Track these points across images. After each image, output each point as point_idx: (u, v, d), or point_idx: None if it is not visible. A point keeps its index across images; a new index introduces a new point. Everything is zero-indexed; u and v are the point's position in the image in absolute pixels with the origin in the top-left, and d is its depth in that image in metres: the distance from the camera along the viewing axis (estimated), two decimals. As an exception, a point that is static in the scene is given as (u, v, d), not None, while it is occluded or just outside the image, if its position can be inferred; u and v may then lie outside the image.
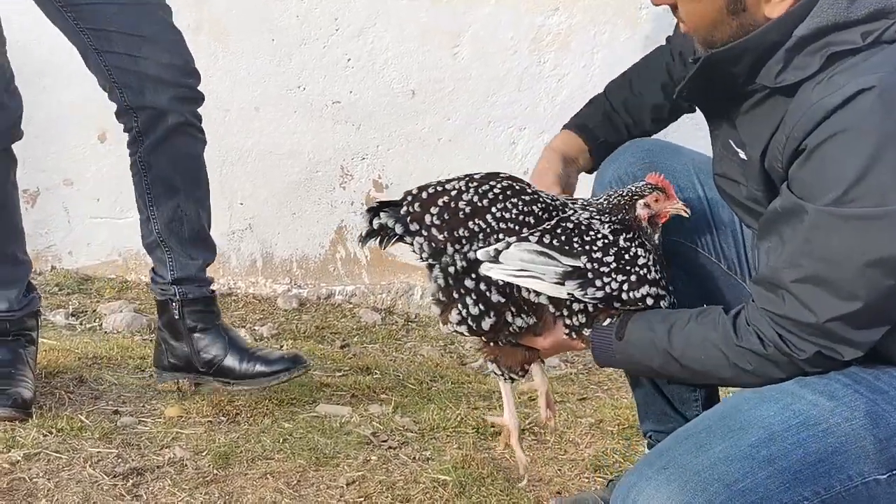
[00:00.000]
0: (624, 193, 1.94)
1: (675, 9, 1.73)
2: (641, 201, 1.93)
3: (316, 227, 3.84)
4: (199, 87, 2.62)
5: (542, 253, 1.85)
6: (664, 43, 2.19)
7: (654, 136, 2.22)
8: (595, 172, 2.23)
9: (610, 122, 2.19)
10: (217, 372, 2.67)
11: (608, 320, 1.87)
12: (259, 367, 2.64)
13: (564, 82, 3.68)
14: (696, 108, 1.96)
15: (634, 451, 2.60)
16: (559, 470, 2.50)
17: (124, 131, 2.62)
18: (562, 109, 3.67)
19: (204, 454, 2.44)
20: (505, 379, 2.00)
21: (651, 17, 3.59)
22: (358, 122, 3.76)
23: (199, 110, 2.63)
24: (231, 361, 2.65)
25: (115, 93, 2.55)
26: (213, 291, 2.74)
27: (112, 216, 3.91)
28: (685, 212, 1.95)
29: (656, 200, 1.93)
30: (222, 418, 2.63)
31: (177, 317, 2.67)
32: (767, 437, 1.57)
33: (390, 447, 2.55)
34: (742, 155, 1.77)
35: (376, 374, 3.09)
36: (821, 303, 1.60)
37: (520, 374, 1.99)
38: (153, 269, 2.72)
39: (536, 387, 2.11)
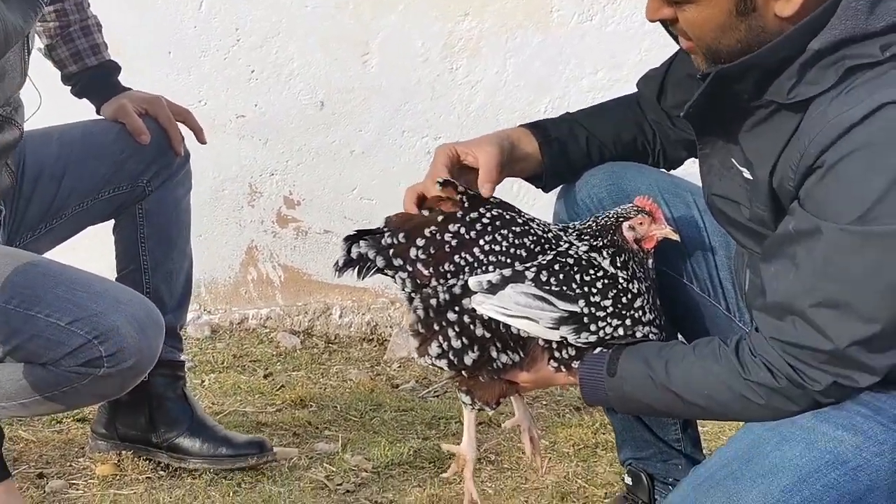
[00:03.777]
0: (610, 215, 1.88)
1: (672, 22, 1.65)
2: (627, 223, 1.86)
3: (224, 248, 3.63)
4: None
5: (538, 297, 1.76)
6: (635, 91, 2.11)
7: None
8: (553, 192, 2.16)
9: (569, 129, 2.07)
10: (172, 447, 2.44)
11: (598, 348, 1.81)
12: (223, 450, 2.42)
13: (477, 88, 3.59)
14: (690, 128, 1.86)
15: (594, 473, 2.55)
16: (526, 501, 2.42)
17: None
18: (476, 116, 3.60)
19: (148, 517, 2.25)
20: (472, 409, 1.91)
21: (562, 21, 3.55)
22: (265, 136, 3.57)
23: None
24: (191, 439, 2.42)
25: None
26: (183, 355, 2.52)
27: None
28: (674, 236, 1.89)
29: (640, 223, 1.87)
30: (161, 473, 2.43)
31: (144, 378, 2.39)
32: (798, 479, 1.52)
33: (348, 490, 2.42)
34: (747, 174, 1.70)
35: (312, 406, 2.94)
36: (839, 327, 1.53)
37: (493, 406, 1.90)
38: None
39: (519, 422, 2.03)
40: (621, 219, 1.87)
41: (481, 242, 1.78)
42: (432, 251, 1.77)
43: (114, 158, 2.43)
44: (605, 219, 1.88)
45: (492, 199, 1.86)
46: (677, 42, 1.77)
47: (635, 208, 1.89)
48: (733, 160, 1.74)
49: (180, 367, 2.47)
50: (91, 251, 3.60)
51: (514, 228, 1.81)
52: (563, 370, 1.83)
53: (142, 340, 1.96)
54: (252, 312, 3.65)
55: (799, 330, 1.57)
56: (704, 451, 2.23)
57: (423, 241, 1.78)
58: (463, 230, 1.79)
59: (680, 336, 2.07)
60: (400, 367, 3.39)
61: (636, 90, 2.13)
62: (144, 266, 2.45)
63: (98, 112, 2.52)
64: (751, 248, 1.81)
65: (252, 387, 3.09)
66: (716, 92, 1.65)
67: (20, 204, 2.35)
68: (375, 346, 3.56)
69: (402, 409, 2.93)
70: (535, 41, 3.56)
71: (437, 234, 1.78)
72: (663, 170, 2.18)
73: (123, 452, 2.47)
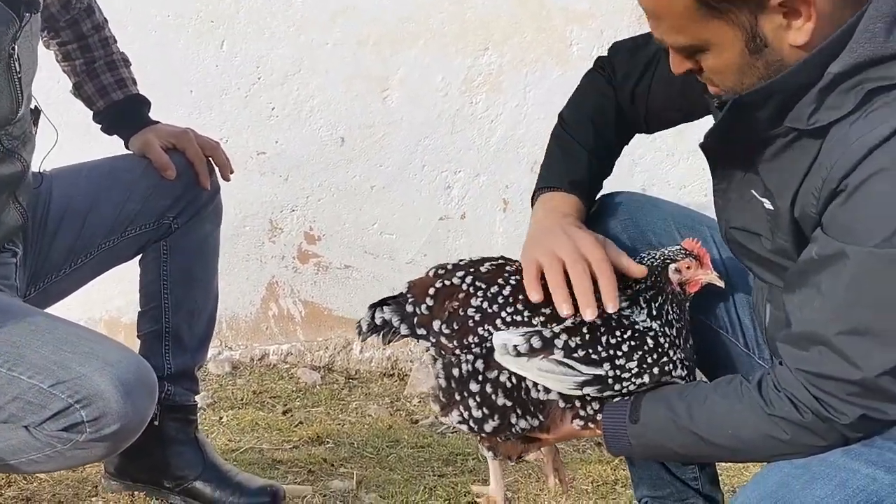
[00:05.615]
0: (656, 256, 1.83)
1: (698, 72, 1.62)
2: (673, 266, 1.82)
3: (245, 284, 3.64)
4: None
5: (562, 363, 1.72)
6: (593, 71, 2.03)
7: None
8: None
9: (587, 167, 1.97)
10: (185, 492, 2.40)
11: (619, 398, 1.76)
12: (233, 499, 2.38)
13: (497, 123, 3.59)
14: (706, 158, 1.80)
15: (614, 511, 2.50)
16: (542, 540, 2.38)
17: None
18: (496, 151, 3.59)
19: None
20: (495, 459, 1.88)
21: (581, 55, 3.54)
22: (285, 172, 3.58)
23: None
24: (204, 484, 2.38)
25: None
26: (196, 399, 2.49)
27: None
28: (720, 283, 1.84)
29: (688, 267, 1.82)
30: (174, 511, 2.42)
31: (156, 422, 2.32)
32: (831, 521, 1.46)
33: (361, 529, 2.40)
34: (768, 204, 1.65)
35: (329, 443, 2.92)
36: (868, 356, 1.46)
37: (514, 460, 1.87)
38: None
39: (542, 455, 1.97)
40: (668, 261, 1.82)
41: (503, 315, 1.75)
42: (456, 326, 1.75)
43: (140, 194, 2.38)
44: (651, 260, 1.83)
45: (508, 265, 1.83)
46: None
47: (683, 251, 1.83)
48: (753, 191, 1.69)
49: (193, 411, 2.45)
50: (119, 286, 3.61)
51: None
52: (590, 425, 1.78)
53: (127, 405, 1.85)
54: (273, 348, 3.65)
55: (825, 360, 1.50)
56: (726, 488, 2.18)
57: (447, 314, 1.75)
58: (486, 304, 1.76)
59: (699, 373, 2.03)
60: (420, 402, 3.36)
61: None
62: (165, 305, 2.41)
63: (126, 147, 2.49)
64: (771, 281, 1.75)
65: (270, 423, 3.08)
66: (735, 121, 1.60)
67: (44, 242, 2.31)
68: (396, 381, 3.54)
69: (419, 446, 2.90)
70: (554, 75, 3.56)
71: (460, 309, 1.76)
72: (679, 203, 2.15)
73: (136, 493, 2.45)
